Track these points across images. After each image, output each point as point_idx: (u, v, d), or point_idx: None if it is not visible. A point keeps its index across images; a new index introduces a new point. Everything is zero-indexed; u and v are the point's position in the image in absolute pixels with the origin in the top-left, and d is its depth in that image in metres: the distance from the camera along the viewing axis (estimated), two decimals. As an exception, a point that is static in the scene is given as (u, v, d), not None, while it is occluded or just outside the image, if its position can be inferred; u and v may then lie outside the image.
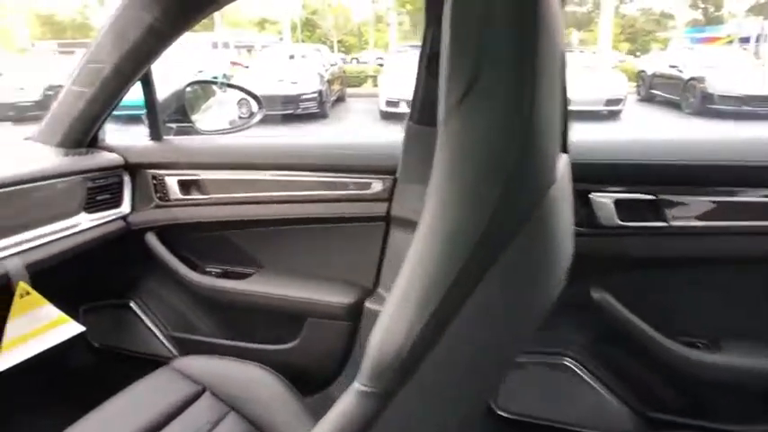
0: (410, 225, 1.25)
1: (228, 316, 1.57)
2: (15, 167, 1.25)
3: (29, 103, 7.46)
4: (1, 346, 1.17)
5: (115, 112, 1.43)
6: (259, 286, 1.45)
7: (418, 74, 1.24)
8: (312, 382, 1.45)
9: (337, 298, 1.38)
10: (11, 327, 1.19)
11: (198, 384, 1.14)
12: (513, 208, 0.51)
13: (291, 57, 12.24)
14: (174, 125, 1.54)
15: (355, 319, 1.38)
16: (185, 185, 1.48)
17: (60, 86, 1.42)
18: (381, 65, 15.72)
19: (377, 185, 1.34)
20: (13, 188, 1.19)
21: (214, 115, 1.76)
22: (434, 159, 0.51)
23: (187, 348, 1.59)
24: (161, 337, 1.62)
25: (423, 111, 1.24)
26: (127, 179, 1.49)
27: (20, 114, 7.36)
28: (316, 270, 1.46)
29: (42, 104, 7.29)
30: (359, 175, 1.36)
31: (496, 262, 0.50)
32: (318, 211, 1.40)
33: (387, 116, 9.42)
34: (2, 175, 1.19)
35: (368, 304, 1.36)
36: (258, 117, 1.64)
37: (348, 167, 1.37)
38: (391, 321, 0.51)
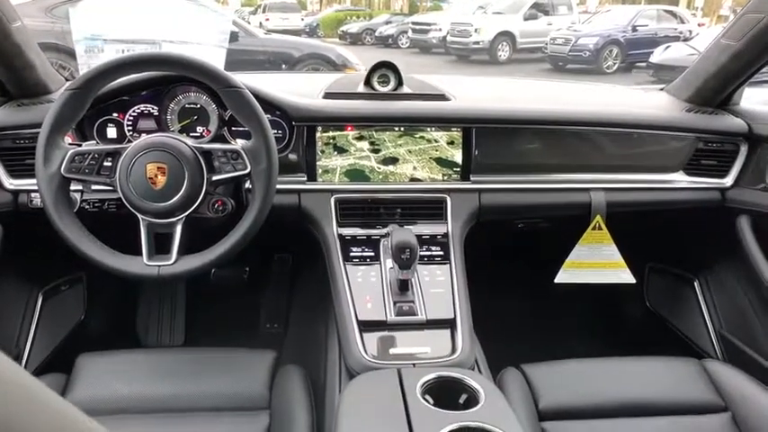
0: None
1: None
2: (634, 110, 1.32)
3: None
4: (564, 262, 1.35)
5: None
6: None
7: None
8: None
9: None
10: (576, 251, 1.34)
11: (722, 400, 1.01)
12: None
13: None
14: None
15: None
16: None
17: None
18: None
19: None
20: (627, 129, 1.28)
21: None
22: None
23: (733, 353, 1.37)
24: (711, 332, 1.45)
25: None
26: (743, 150, 1.31)
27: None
28: None
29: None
30: None
31: None
32: None
33: None
34: (620, 114, 1.28)
35: None
36: None
37: None
38: None
